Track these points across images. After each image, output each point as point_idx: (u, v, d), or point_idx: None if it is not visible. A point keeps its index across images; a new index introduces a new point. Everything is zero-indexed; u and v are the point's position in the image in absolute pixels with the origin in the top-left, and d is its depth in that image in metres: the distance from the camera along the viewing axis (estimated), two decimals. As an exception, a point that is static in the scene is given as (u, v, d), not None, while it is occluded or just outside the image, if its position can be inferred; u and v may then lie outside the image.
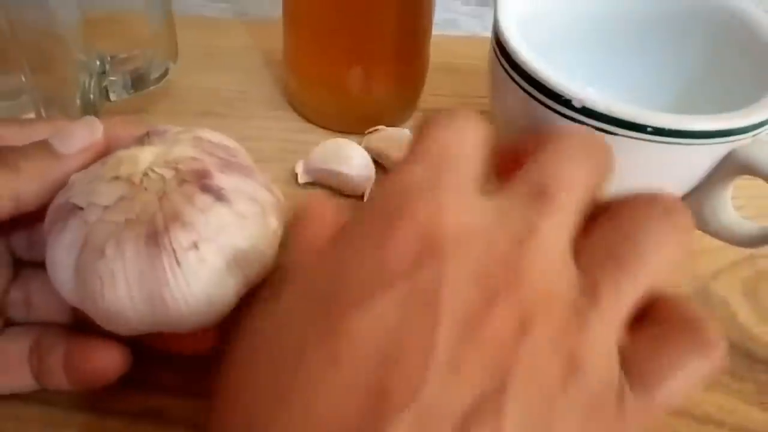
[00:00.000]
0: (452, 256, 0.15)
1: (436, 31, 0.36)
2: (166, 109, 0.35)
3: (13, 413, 0.23)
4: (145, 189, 0.20)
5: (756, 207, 0.32)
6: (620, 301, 0.16)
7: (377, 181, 0.30)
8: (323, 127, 0.35)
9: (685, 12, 0.31)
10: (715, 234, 0.28)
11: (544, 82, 0.25)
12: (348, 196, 0.31)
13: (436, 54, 0.37)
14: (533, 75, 0.25)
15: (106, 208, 0.20)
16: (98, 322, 0.20)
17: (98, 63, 0.31)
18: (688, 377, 0.16)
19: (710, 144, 0.25)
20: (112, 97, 0.32)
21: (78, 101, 0.30)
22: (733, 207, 0.28)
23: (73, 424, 0.23)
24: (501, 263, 0.15)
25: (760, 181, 0.25)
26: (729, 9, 0.30)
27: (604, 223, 0.17)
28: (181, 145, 0.21)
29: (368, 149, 0.33)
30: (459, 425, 0.14)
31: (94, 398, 0.23)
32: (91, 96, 0.31)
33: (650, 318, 0.17)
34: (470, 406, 0.14)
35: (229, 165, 0.21)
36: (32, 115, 0.28)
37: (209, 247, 0.19)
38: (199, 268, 0.19)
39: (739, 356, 0.27)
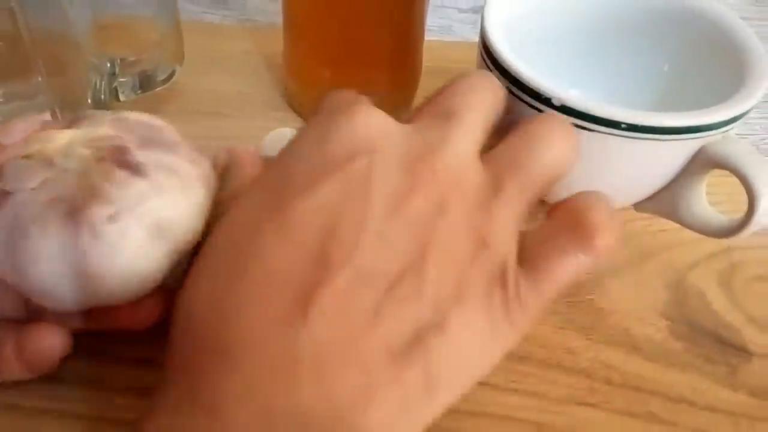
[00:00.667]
0: (380, 151, 0.19)
1: (431, 36, 0.37)
2: (172, 109, 0.36)
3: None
4: (66, 170, 0.20)
5: (734, 202, 0.33)
6: (520, 193, 0.20)
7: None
8: (321, 127, 0.37)
9: (662, 16, 0.33)
10: (690, 225, 0.29)
11: (525, 82, 0.27)
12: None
13: (430, 58, 0.38)
14: (516, 75, 0.27)
15: (32, 189, 0.20)
16: (36, 300, 0.21)
17: (109, 65, 0.32)
18: (569, 263, 0.19)
19: (681, 140, 0.26)
20: (122, 97, 0.33)
21: (89, 101, 0.32)
22: (710, 202, 0.30)
23: (79, 398, 0.24)
24: (420, 159, 0.19)
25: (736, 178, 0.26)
26: (704, 14, 0.32)
27: (505, 138, 0.21)
28: (102, 126, 0.22)
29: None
30: (388, 284, 0.17)
31: (106, 374, 0.25)
32: (102, 96, 0.32)
33: (548, 213, 0.21)
34: (397, 269, 0.17)
35: (150, 141, 0.22)
36: (47, 115, 0.29)
37: (128, 219, 0.20)
38: (120, 240, 0.20)
39: (713, 341, 0.28)
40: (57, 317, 0.22)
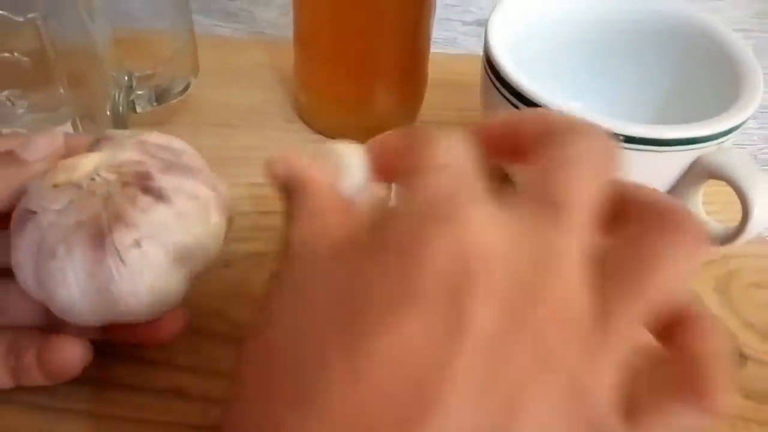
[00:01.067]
0: (481, 282, 0.15)
1: (436, 49, 0.38)
2: (186, 121, 0.37)
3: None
4: (93, 193, 0.21)
5: (730, 211, 0.34)
6: (630, 325, 0.16)
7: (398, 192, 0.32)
8: (330, 137, 0.38)
9: (663, 32, 0.34)
10: (687, 234, 0.30)
11: (527, 96, 0.28)
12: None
13: (435, 70, 0.39)
14: (518, 89, 0.28)
15: (58, 212, 0.21)
16: (58, 315, 0.22)
17: (126, 78, 0.33)
18: (677, 422, 0.16)
19: (678, 151, 0.28)
20: (138, 109, 0.34)
21: (108, 113, 0.33)
22: (707, 211, 0.31)
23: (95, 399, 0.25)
24: (525, 291, 0.15)
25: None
26: (703, 29, 0.33)
27: (618, 238, 0.17)
28: (125, 150, 0.22)
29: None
30: None
31: (125, 375, 0.26)
32: (120, 108, 0.33)
33: (662, 343, 0.17)
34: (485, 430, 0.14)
35: (171, 166, 0.23)
36: (69, 126, 0.30)
37: (151, 244, 0.21)
38: (143, 264, 0.21)
39: (709, 345, 0.29)
40: (78, 329, 0.23)
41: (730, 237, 0.28)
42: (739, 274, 0.32)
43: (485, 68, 0.31)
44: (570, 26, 0.35)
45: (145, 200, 0.21)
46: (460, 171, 0.17)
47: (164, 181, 0.22)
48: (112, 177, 0.22)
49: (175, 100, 0.36)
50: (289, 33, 0.37)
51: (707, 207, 0.31)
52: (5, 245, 0.22)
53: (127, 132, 0.24)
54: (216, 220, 0.23)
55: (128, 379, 0.26)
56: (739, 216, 0.28)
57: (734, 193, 0.27)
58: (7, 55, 0.27)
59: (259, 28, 0.47)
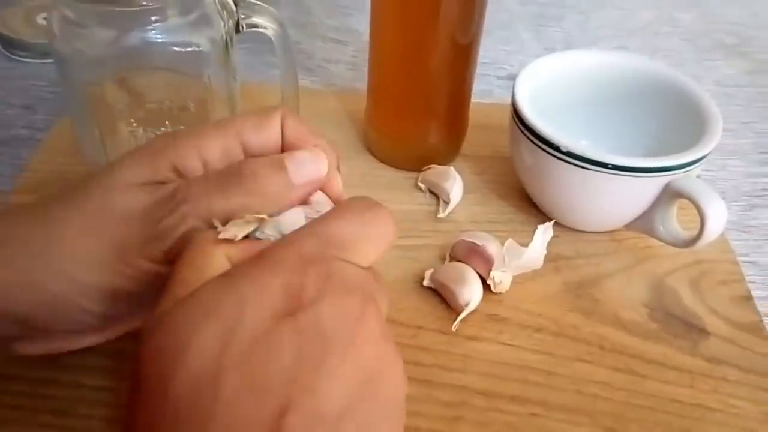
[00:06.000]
0: None
1: (475, 99, 0.48)
2: None
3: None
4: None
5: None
6: None
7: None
8: (392, 166, 0.48)
9: (647, 86, 0.44)
10: (663, 239, 0.40)
11: (540, 134, 0.38)
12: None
13: (474, 116, 0.49)
14: (535, 130, 0.39)
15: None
16: None
17: None
18: None
19: (653, 177, 0.37)
20: None
21: None
22: (685, 221, 0.40)
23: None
24: None
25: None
26: (679, 86, 0.43)
27: None
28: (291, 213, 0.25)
29: (423, 181, 0.46)
30: None
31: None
32: None
33: None
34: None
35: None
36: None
37: None
38: None
39: (680, 324, 0.38)
40: None
41: (692, 241, 0.38)
42: (710, 274, 0.42)
43: (512, 115, 0.41)
44: (580, 82, 0.45)
45: None
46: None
47: None
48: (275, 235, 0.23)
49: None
50: (355, 84, 0.47)
51: (685, 218, 0.40)
52: None
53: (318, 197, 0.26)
54: None
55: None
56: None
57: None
58: (182, 104, 0.38)
59: (331, 81, 0.58)
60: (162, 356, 0.19)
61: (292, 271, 0.20)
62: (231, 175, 0.24)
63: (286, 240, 0.22)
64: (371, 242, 0.23)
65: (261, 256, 0.21)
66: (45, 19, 0.58)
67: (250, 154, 0.26)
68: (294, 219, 0.24)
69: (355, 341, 0.20)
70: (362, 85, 0.48)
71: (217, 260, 0.22)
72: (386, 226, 0.23)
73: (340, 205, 0.24)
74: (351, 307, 0.20)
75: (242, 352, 0.19)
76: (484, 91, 0.58)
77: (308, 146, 0.26)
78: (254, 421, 0.18)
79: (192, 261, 0.21)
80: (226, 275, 0.21)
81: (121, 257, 0.24)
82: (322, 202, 0.26)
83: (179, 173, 0.25)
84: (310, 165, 0.25)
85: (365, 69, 0.47)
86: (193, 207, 0.24)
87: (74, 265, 0.24)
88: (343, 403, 0.19)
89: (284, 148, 0.27)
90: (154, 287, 0.23)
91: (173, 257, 0.23)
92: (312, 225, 0.22)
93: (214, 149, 0.26)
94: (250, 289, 0.20)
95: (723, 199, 0.37)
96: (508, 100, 0.42)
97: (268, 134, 0.26)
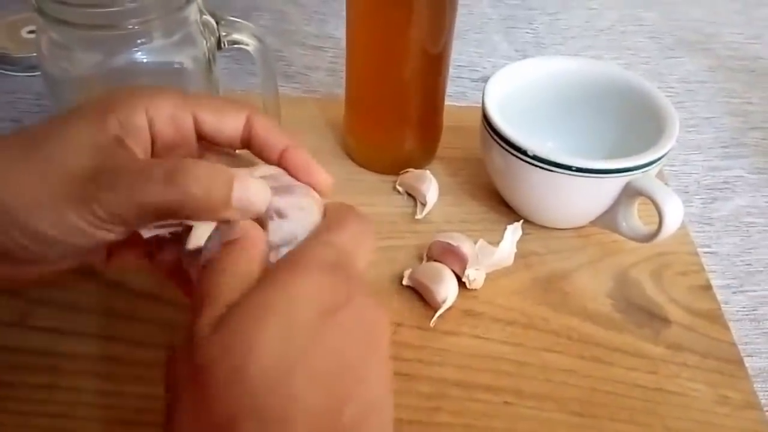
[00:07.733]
0: None
1: (449, 102, 0.50)
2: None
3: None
4: None
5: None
6: None
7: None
8: (371, 171, 0.50)
9: (609, 90, 0.47)
10: (626, 235, 0.42)
11: (509, 139, 0.40)
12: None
13: (448, 118, 0.51)
14: (504, 135, 0.41)
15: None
16: None
17: None
18: None
19: (613, 177, 0.40)
20: None
21: None
22: (647, 215, 0.42)
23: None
24: None
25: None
26: (638, 89, 0.45)
27: None
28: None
29: (401, 184, 0.48)
30: None
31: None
32: None
33: None
34: None
35: (278, 189, 0.27)
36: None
37: (285, 249, 0.26)
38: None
39: (643, 313, 0.41)
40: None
41: (651, 236, 0.40)
42: (671, 265, 0.44)
43: (483, 121, 0.44)
44: (546, 87, 0.48)
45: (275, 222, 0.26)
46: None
47: (279, 202, 0.27)
48: None
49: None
50: (335, 90, 0.49)
51: (647, 215, 0.42)
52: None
53: (242, 171, 0.26)
54: (317, 218, 0.27)
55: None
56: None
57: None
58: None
59: (311, 87, 0.60)
60: (231, 354, 0.21)
61: (322, 274, 0.23)
62: (177, 171, 0.24)
63: (306, 248, 0.25)
64: (367, 250, 0.27)
65: (291, 262, 0.24)
66: (31, 32, 0.60)
67: (200, 134, 0.27)
68: (207, 228, 0.25)
69: (384, 333, 0.24)
70: (341, 90, 0.50)
71: (251, 266, 0.24)
72: (372, 234, 0.27)
73: (341, 219, 0.27)
74: (374, 305, 0.24)
75: (303, 347, 0.21)
76: (459, 93, 0.60)
77: (278, 143, 0.28)
78: (324, 410, 0.21)
79: (229, 269, 0.24)
80: (267, 279, 0.23)
81: (57, 209, 0.24)
82: (278, 176, 0.28)
83: (125, 130, 0.26)
84: (254, 196, 0.25)
85: (344, 74, 0.49)
86: (129, 189, 0.24)
87: (18, 206, 0.24)
88: (383, 390, 0.23)
89: (254, 143, 0.28)
90: (80, 241, 0.25)
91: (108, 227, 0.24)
92: (321, 235, 0.26)
93: (163, 110, 0.26)
94: (294, 291, 0.22)
95: (686, 192, 0.39)
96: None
97: (225, 122, 0.27)
